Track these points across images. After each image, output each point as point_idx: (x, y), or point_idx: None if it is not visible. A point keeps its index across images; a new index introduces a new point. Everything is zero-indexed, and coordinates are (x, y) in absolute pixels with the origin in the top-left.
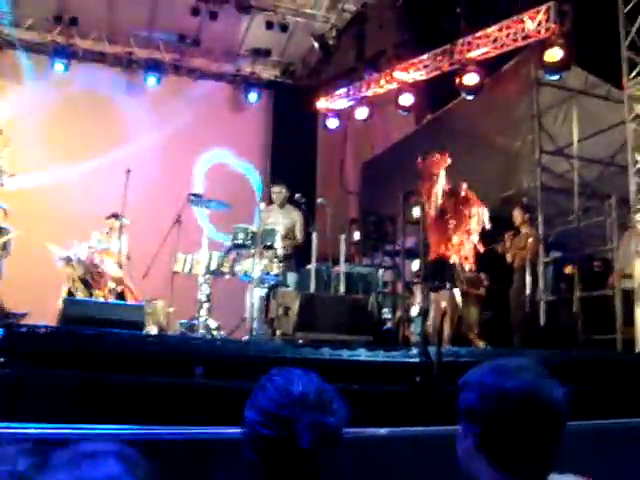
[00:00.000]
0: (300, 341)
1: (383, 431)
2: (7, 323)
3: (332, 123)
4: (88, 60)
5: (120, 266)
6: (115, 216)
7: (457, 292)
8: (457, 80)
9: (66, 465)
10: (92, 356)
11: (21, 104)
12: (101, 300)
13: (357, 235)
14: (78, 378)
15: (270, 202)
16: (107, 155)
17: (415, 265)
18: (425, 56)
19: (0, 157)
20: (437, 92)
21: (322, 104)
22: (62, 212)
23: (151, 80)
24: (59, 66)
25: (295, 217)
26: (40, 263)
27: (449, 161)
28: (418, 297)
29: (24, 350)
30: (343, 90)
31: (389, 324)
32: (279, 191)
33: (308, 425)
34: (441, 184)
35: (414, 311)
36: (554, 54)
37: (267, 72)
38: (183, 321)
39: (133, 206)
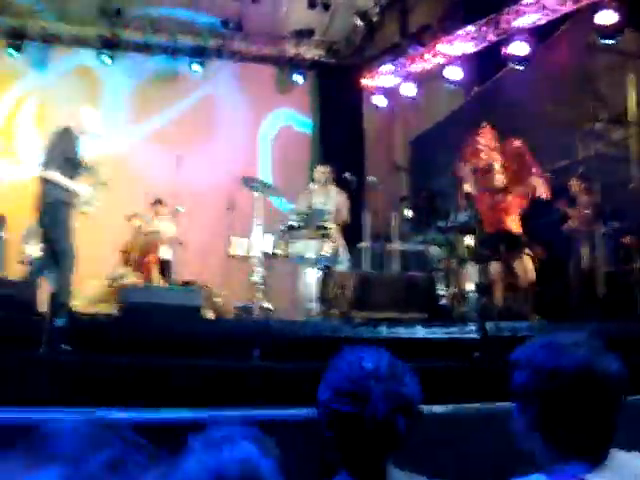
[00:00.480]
0: (357, 320)
1: (439, 408)
2: (68, 312)
3: (378, 101)
4: (132, 50)
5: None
6: (159, 202)
7: (524, 260)
8: (505, 50)
9: (206, 448)
10: (152, 342)
11: (59, 95)
12: (159, 286)
13: (409, 212)
14: (139, 364)
15: (316, 182)
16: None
17: (469, 240)
18: (471, 27)
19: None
20: (485, 64)
21: (367, 82)
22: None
23: (195, 67)
24: (106, 58)
25: (341, 196)
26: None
27: (496, 134)
28: (473, 272)
29: (86, 337)
30: (388, 67)
31: (444, 300)
32: (324, 171)
33: (383, 396)
34: (491, 156)
35: (468, 286)
36: (607, 17)
37: (311, 52)
38: (239, 304)
39: (186, 190)
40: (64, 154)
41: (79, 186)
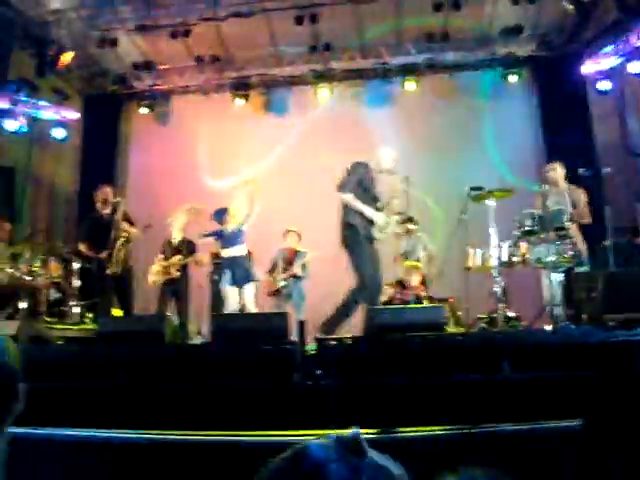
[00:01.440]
0: (610, 323)
1: None
2: (317, 338)
3: (604, 85)
4: (346, 79)
5: None
6: (409, 220)
7: None
8: None
9: None
10: (397, 361)
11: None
12: (401, 306)
13: None
14: (385, 384)
15: (546, 182)
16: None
17: None
18: None
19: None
20: None
21: (588, 68)
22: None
23: (409, 84)
24: (322, 92)
25: (576, 194)
26: None
27: None
28: None
29: (334, 361)
30: (610, 47)
31: None
32: (554, 168)
33: None
34: None
35: None
36: None
37: (522, 49)
38: (482, 315)
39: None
40: (360, 183)
41: (375, 213)
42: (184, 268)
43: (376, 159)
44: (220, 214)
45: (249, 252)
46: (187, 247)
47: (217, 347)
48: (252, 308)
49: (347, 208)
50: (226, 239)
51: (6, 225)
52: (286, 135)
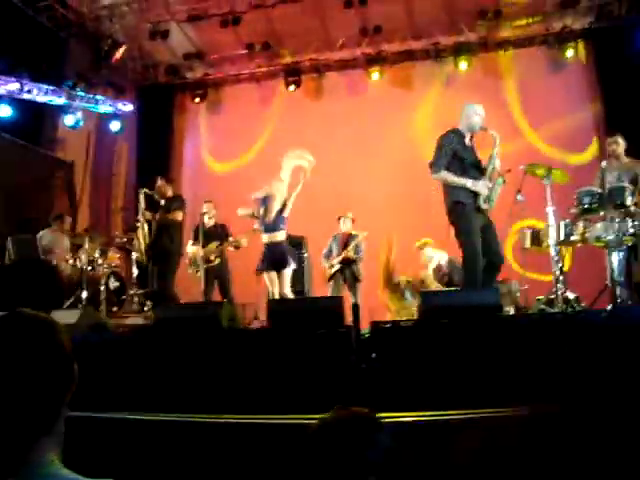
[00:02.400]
0: None
1: None
2: (372, 321)
3: None
4: (398, 62)
5: None
6: None
7: None
8: None
9: None
10: (450, 344)
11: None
12: (455, 289)
13: None
14: (441, 366)
15: (608, 157)
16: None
17: None
18: None
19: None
20: None
21: None
22: None
23: (462, 64)
24: (374, 75)
25: (638, 167)
26: None
27: None
28: None
29: (389, 344)
30: None
31: None
32: (616, 141)
33: None
34: None
35: None
36: None
37: (579, 22)
38: (540, 297)
39: None
40: (454, 154)
41: (474, 183)
42: (222, 253)
43: (465, 120)
44: (265, 201)
45: (302, 237)
46: (221, 232)
47: (273, 332)
48: (288, 293)
49: (447, 186)
50: (267, 225)
51: (67, 218)
52: (339, 120)
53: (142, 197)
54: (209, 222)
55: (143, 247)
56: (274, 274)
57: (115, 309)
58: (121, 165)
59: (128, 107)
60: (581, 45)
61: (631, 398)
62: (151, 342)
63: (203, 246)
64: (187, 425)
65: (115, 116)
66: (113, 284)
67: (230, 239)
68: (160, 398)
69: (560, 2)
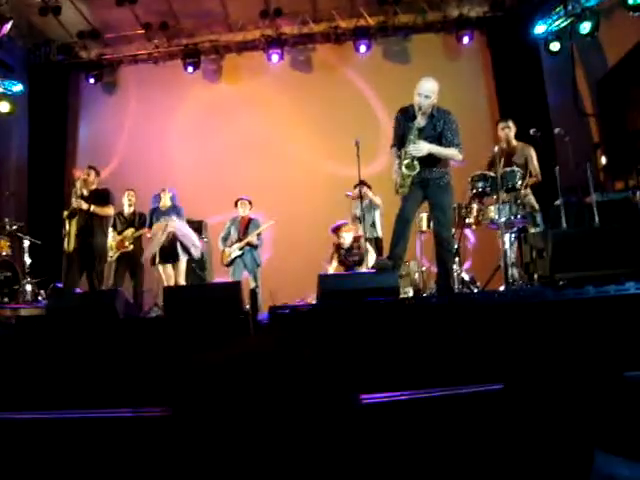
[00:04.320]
0: (560, 282)
1: None
2: (270, 307)
3: (554, 46)
4: (299, 44)
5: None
6: None
7: None
8: None
9: None
10: (352, 328)
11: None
12: (353, 272)
13: (604, 160)
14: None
15: (499, 141)
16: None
17: None
18: None
19: None
20: None
21: (540, 29)
22: None
23: (362, 48)
24: (274, 57)
25: (528, 153)
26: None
27: None
28: None
29: (288, 329)
30: (560, 8)
31: None
32: (508, 126)
33: None
34: None
35: None
36: None
37: (475, 10)
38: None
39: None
40: (396, 134)
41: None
42: (137, 240)
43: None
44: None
45: (201, 222)
46: (139, 219)
47: (169, 321)
48: (182, 282)
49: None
50: (161, 215)
51: None
52: (239, 102)
53: (79, 184)
54: (128, 209)
55: (73, 238)
56: (168, 265)
57: (6, 300)
58: (11, 148)
59: (18, 87)
60: (477, 33)
61: (524, 375)
62: (42, 333)
63: (120, 232)
64: (65, 423)
65: (4, 96)
66: (4, 274)
67: (146, 228)
68: (49, 393)
69: None
